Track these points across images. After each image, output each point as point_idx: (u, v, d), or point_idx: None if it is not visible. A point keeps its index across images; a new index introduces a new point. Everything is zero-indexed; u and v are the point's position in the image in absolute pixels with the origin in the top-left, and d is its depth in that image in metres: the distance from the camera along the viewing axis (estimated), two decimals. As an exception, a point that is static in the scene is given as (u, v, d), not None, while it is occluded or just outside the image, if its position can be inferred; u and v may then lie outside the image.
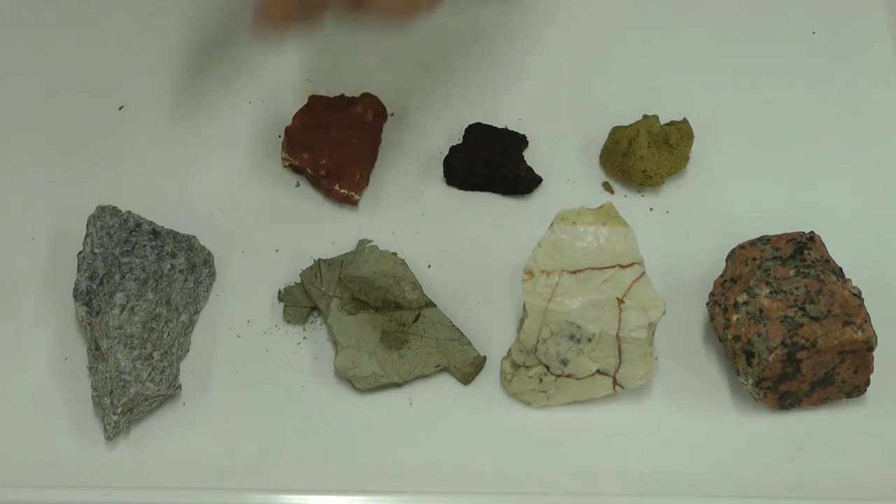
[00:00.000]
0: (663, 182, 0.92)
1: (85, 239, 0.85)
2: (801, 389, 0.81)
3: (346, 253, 0.88)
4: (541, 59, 0.99)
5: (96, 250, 0.84)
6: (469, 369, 0.84)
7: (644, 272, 0.80)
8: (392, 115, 0.95)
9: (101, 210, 0.86)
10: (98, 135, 0.95)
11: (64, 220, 0.90)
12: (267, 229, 0.90)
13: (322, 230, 0.90)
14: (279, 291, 0.87)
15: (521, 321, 0.82)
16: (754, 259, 0.84)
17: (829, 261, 0.83)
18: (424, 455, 0.82)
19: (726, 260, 0.86)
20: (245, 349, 0.85)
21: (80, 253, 0.85)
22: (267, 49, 0.99)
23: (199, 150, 0.94)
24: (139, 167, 0.93)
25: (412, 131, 0.95)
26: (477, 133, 0.93)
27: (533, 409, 0.83)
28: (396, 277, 0.86)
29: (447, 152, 0.93)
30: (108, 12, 1.01)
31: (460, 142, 0.93)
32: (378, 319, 0.85)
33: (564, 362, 0.81)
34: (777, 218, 0.90)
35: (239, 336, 0.86)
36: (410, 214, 0.91)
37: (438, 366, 0.84)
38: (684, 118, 0.93)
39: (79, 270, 0.84)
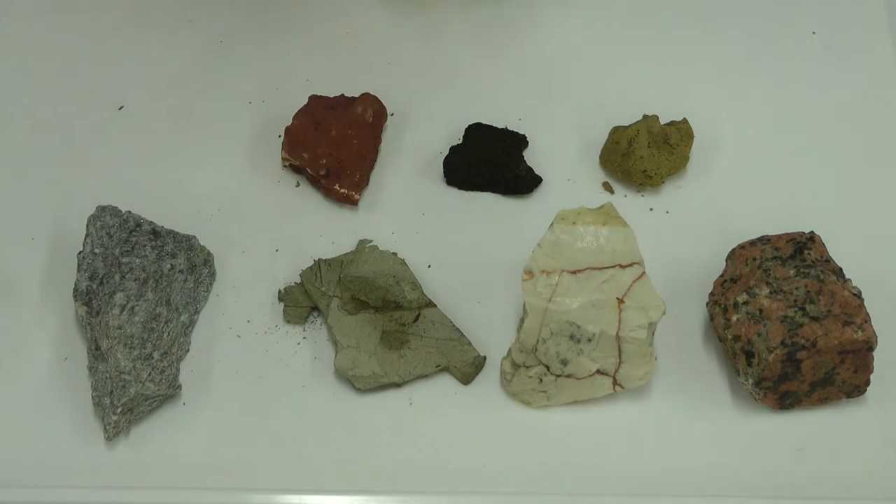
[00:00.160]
0: (663, 182, 0.92)
1: (85, 239, 0.85)
2: (801, 389, 0.81)
3: (346, 253, 0.88)
4: (541, 59, 0.99)
5: (96, 250, 0.84)
6: (469, 369, 0.84)
7: (644, 272, 0.80)
8: (392, 115, 0.95)
9: (101, 210, 0.86)
10: (98, 135, 0.95)
11: (64, 220, 0.90)
12: (267, 229, 0.90)
13: (322, 230, 0.90)
14: (279, 291, 0.87)
15: (521, 321, 0.82)
16: (754, 259, 0.83)
17: (829, 261, 0.83)
18: (424, 455, 0.82)
19: (726, 260, 0.86)
20: (245, 349, 0.85)
21: (80, 253, 0.85)
22: (267, 49, 0.99)
23: (199, 150, 0.94)
24: (139, 167, 0.93)
25: (412, 131, 0.95)
26: (477, 133, 0.93)
27: (533, 409, 0.83)
28: (396, 277, 0.86)
29: (447, 152, 0.93)
30: (108, 12, 1.01)
31: (460, 142, 0.93)
32: (378, 319, 0.85)
33: (564, 362, 0.81)
34: (777, 218, 0.89)
35: (239, 336, 0.86)
36: (410, 214, 0.91)
37: (438, 366, 0.84)
38: (684, 118, 0.93)
39: (79, 270, 0.84)
